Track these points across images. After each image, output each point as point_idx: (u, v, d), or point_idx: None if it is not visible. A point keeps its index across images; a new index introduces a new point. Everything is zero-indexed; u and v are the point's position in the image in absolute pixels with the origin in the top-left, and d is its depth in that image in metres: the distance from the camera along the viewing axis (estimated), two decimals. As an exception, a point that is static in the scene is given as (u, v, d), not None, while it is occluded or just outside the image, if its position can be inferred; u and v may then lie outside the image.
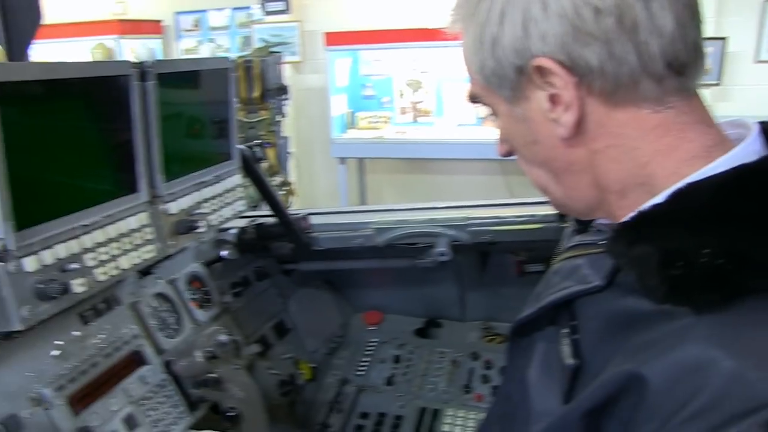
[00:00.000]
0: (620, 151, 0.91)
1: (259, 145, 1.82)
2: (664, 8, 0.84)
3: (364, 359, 2.40)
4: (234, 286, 2.07)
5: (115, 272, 1.27)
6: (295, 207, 6.13)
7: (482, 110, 1.13)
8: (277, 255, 2.14)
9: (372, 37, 6.69)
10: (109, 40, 7.34)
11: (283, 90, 5.86)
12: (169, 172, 1.46)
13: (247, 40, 7.67)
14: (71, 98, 1.20)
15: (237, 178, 1.78)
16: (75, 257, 1.18)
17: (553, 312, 1.03)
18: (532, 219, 2.02)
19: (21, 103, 1.07)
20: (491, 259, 2.39)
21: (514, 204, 2.18)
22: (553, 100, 0.90)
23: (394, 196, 7.65)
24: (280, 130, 5.94)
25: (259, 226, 2.07)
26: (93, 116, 1.28)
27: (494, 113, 1.04)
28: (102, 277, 1.23)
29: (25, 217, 1.08)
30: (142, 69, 1.33)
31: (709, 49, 5.57)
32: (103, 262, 1.24)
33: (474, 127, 6.78)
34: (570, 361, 0.92)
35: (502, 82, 0.94)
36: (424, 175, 7.44)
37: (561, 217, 1.97)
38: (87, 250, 1.21)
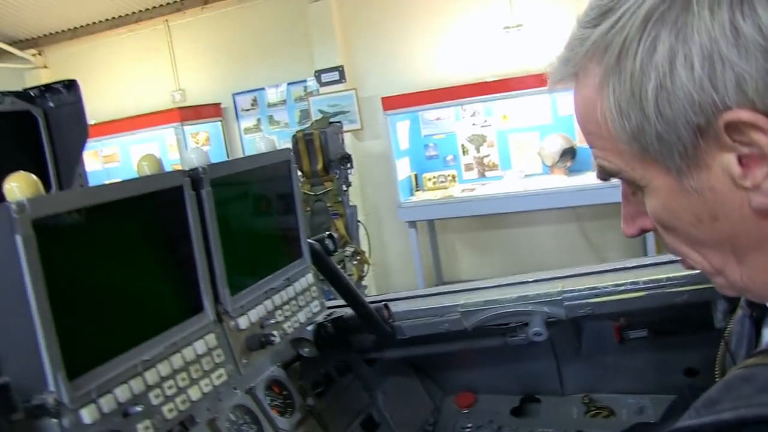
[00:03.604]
0: None
1: (330, 236, 1.68)
2: None
3: None
4: (315, 385, 1.92)
5: (183, 406, 1.13)
6: (370, 275, 6.09)
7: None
8: (359, 348, 1.98)
9: (429, 96, 6.62)
10: (170, 128, 7.52)
11: (346, 159, 5.80)
12: (234, 284, 1.33)
13: (305, 113, 7.70)
14: (121, 221, 1.08)
15: (309, 277, 1.64)
16: (138, 398, 1.05)
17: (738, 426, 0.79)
18: (635, 287, 1.82)
19: (65, 235, 0.96)
20: (587, 326, 2.19)
21: (610, 270, 1.97)
22: (745, 162, 0.71)
23: (467, 254, 7.49)
24: (347, 200, 5.86)
25: (337, 321, 1.93)
26: (146, 236, 1.16)
27: (641, 190, 0.84)
28: (170, 415, 1.09)
29: (77, 363, 0.96)
30: (195, 177, 1.22)
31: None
32: (169, 398, 1.10)
33: (542, 177, 6.62)
34: None
35: (670, 148, 0.74)
36: (496, 230, 7.27)
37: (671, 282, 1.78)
38: (151, 387, 1.08)
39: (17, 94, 1.41)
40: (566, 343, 2.20)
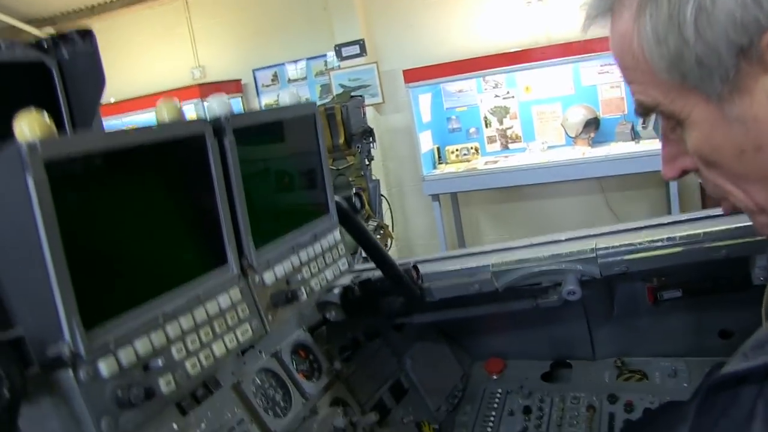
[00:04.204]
0: None
1: (357, 194, 1.62)
2: None
3: (490, 414, 2.16)
4: (343, 350, 1.88)
5: (207, 362, 1.07)
6: (393, 249, 6.05)
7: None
8: (387, 311, 1.93)
9: (451, 68, 6.53)
10: (191, 105, 7.48)
11: (368, 133, 5.74)
12: (259, 237, 1.26)
13: (326, 88, 7.64)
14: (140, 168, 1.03)
15: (336, 234, 1.59)
16: (159, 351, 1.00)
17: None
18: (672, 242, 1.75)
19: (80, 180, 0.91)
20: (619, 287, 2.13)
21: (644, 227, 1.91)
22: None
23: (491, 227, 7.44)
24: (370, 174, 5.80)
25: (365, 284, 1.87)
26: (166, 185, 1.10)
27: (680, 125, 0.82)
28: (193, 371, 1.04)
29: (95, 312, 0.91)
30: (217, 125, 1.16)
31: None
32: (192, 353, 1.05)
33: (565, 148, 6.53)
34: None
35: (710, 73, 0.72)
36: (520, 202, 7.20)
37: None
38: (172, 341, 1.02)
39: (30, 44, 1.35)
40: (598, 305, 2.15)
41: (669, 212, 6.17)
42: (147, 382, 0.96)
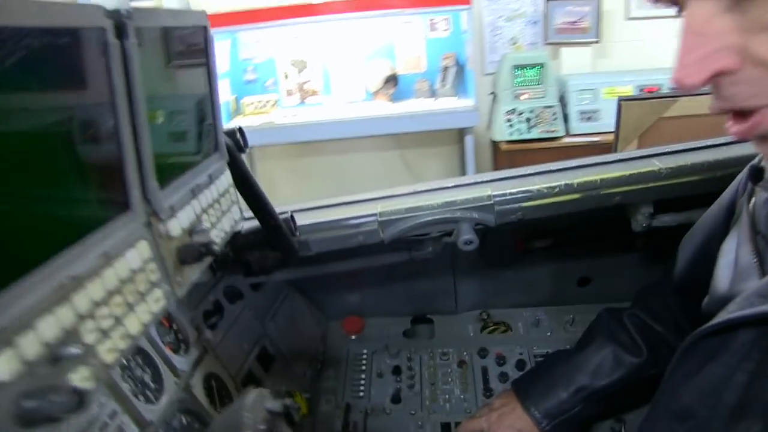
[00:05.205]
0: None
1: (240, 130, 1.34)
2: None
3: (358, 377, 2.01)
4: (207, 316, 1.61)
5: (123, 344, 0.75)
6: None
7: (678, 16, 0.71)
8: (257, 268, 1.67)
9: (250, 16, 6.15)
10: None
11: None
12: (160, 176, 0.93)
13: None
14: (11, 69, 0.63)
15: (228, 175, 1.30)
16: (70, 334, 0.67)
17: None
18: (570, 188, 1.67)
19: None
20: (488, 239, 2.05)
21: (537, 173, 1.81)
22: None
23: (286, 182, 7.22)
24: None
25: (234, 238, 1.60)
26: (45, 94, 0.71)
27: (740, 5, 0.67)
28: (110, 357, 0.72)
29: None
30: (117, 21, 0.81)
31: (585, 8, 5.74)
32: (106, 333, 0.73)
33: (364, 103, 6.46)
34: None
35: None
36: (317, 157, 7.06)
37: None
38: (83, 318, 0.69)
39: None
40: (466, 257, 2.05)
41: (463, 171, 6.31)
42: (67, 390, 0.63)
